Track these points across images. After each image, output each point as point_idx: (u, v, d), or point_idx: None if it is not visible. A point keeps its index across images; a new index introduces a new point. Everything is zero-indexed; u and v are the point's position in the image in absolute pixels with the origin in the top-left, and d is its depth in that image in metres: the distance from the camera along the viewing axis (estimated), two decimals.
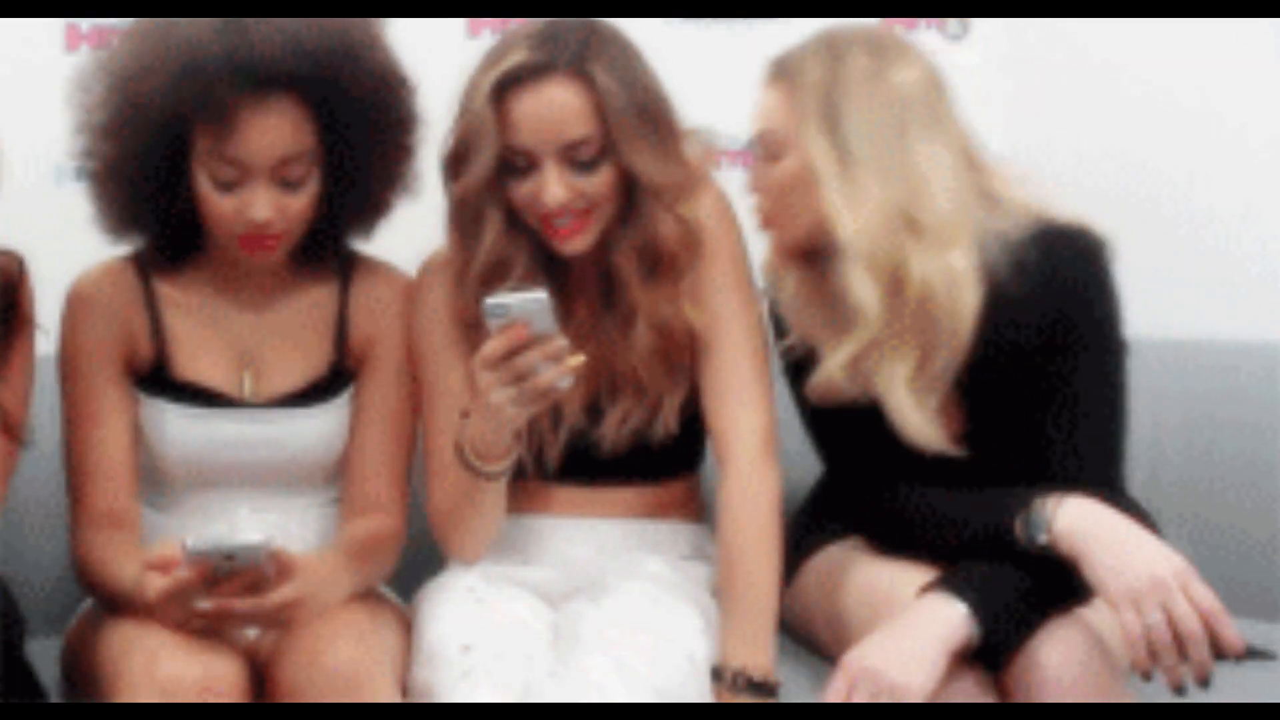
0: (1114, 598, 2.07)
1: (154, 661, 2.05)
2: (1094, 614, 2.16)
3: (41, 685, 2.22)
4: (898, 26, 2.93)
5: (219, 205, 2.20)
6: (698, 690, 2.16)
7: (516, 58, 2.19)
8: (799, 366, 2.29)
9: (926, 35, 2.94)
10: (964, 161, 2.24)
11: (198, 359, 2.30)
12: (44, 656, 2.30)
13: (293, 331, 2.33)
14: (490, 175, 2.21)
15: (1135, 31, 2.90)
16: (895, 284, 2.19)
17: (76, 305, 2.31)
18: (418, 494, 2.36)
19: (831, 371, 2.23)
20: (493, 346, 2.09)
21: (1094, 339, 2.23)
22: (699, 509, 2.41)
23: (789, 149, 2.23)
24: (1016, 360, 2.23)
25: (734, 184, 2.80)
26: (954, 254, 2.20)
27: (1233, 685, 2.20)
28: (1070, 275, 2.23)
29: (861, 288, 2.19)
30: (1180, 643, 2.04)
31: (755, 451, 2.26)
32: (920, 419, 2.21)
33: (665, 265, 2.26)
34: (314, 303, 2.34)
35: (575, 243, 2.23)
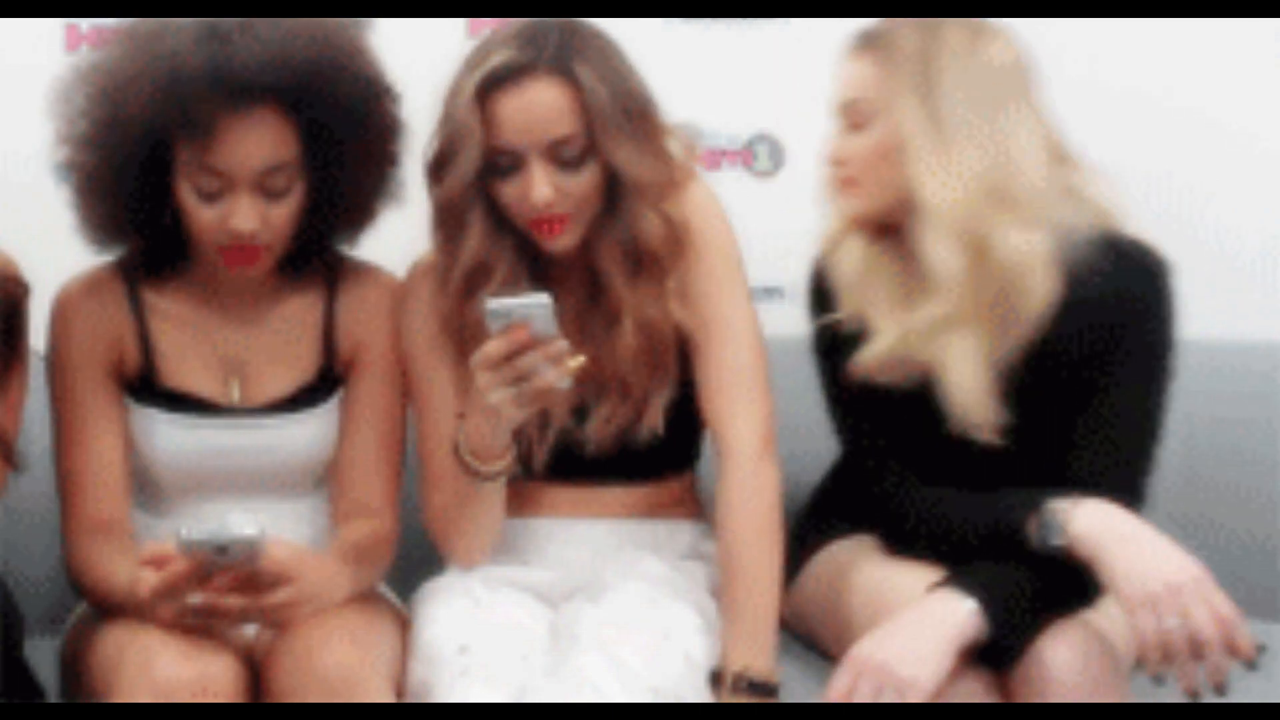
0: (1130, 601, 2.07)
1: (150, 662, 2.05)
2: (1096, 615, 2.16)
3: (40, 685, 2.23)
4: None
5: (202, 216, 2.20)
6: (695, 689, 2.16)
7: (499, 58, 2.19)
8: (841, 343, 2.27)
9: None
10: (1050, 149, 2.24)
11: (185, 367, 2.30)
12: (43, 656, 2.30)
13: (280, 337, 2.32)
14: (474, 177, 2.21)
15: (1135, 32, 2.90)
16: (979, 256, 2.19)
17: (63, 313, 2.31)
18: (413, 496, 2.36)
19: (894, 344, 2.22)
20: (494, 347, 2.09)
21: (1145, 357, 2.23)
22: (696, 507, 2.41)
23: (877, 118, 2.23)
24: (1067, 362, 2.22)
25: (734, 184, 2.81)
26: (1036, 235, 2.19)
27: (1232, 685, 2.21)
28: (1136, 290, 2.23)
29: (945, 256, 2.18)
30: (1196, 648, 2.04)
31: (754, 449, 2.25)
32: (980, 400, 2.20)
33: (649, 263, 2.26)
34: (301, 308, 2.34)
35: (562, 240, 2.23)
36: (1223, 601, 2.07)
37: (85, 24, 2.77)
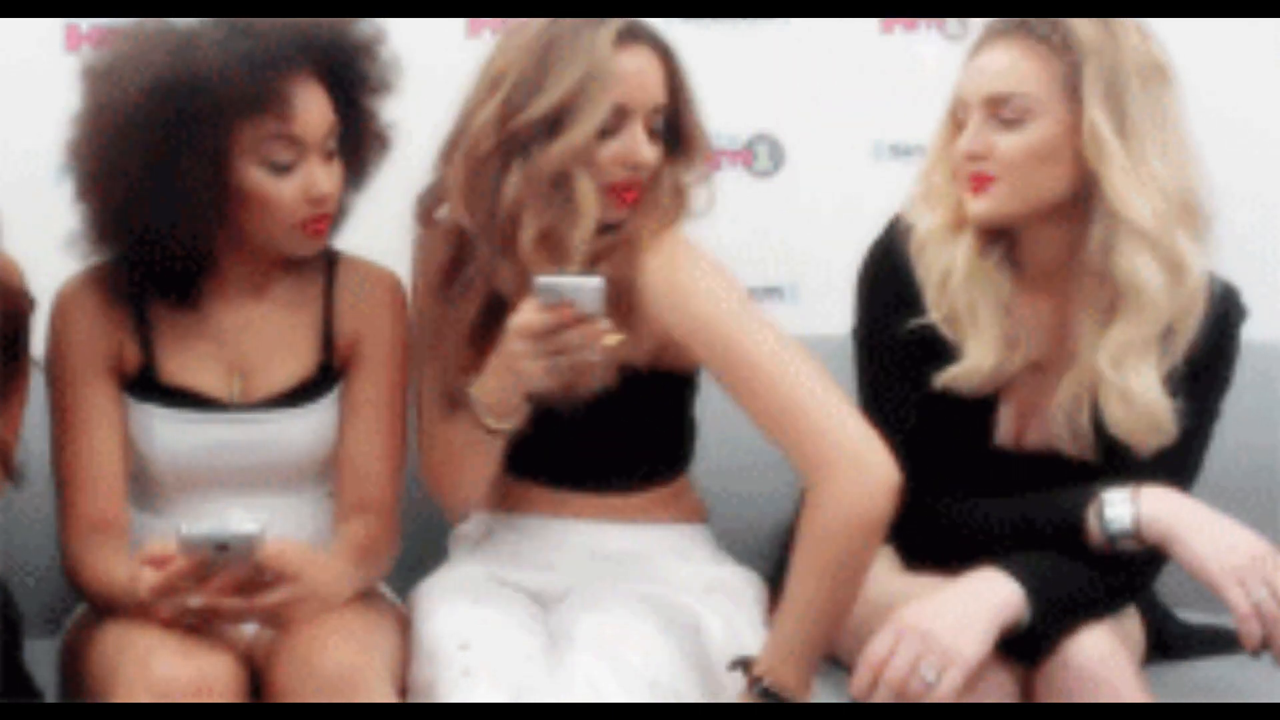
0: (1217, 577, 2.08)
1: (148, 662, 2.05)
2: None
3: (37, 686, 2.23)
4: (898, 27, 2.94)
5: (280, 191, 2.21)
6: (692, 685, 2.15)
7: (620, 21, 2.21)
8: (923, 347, 2.23)
9: (926, 35, 2.94)
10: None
11: (185, 363, 2.30)
12: (42, 657, 2.30)
13: (279, 332, 2.32)
14: (598, 131, 2.18)
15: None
16: (1175, 276, 2.16)
17: (64, 310, 2.30)
18: (412, 491, 2.36)
19: (1000, 361, 2.19)
20: (537, 321, 2.10)
21: (1213, 396, 2.25)
22: (690, 510, 2.40)
23: (1037, 115, 2.17)
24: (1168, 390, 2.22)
25: (734, 184, 2.81)
26: (1201, 260, 2.18)
27: (1235, 685, 2.21)
28: (1231, 335, 2.25)
29: (1152, 275, 2.15)
30: None
31: (811, 472, 2.13)
32: (1161, 424, 2.18)
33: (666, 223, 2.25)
34: (299, 303, 2.34)
35: (625, 212, 2.23)
36: None
37: (85, 24, 2.77)
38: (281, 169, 2.21)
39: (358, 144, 2.30)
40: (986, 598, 2.09)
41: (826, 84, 2.92)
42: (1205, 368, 2.23)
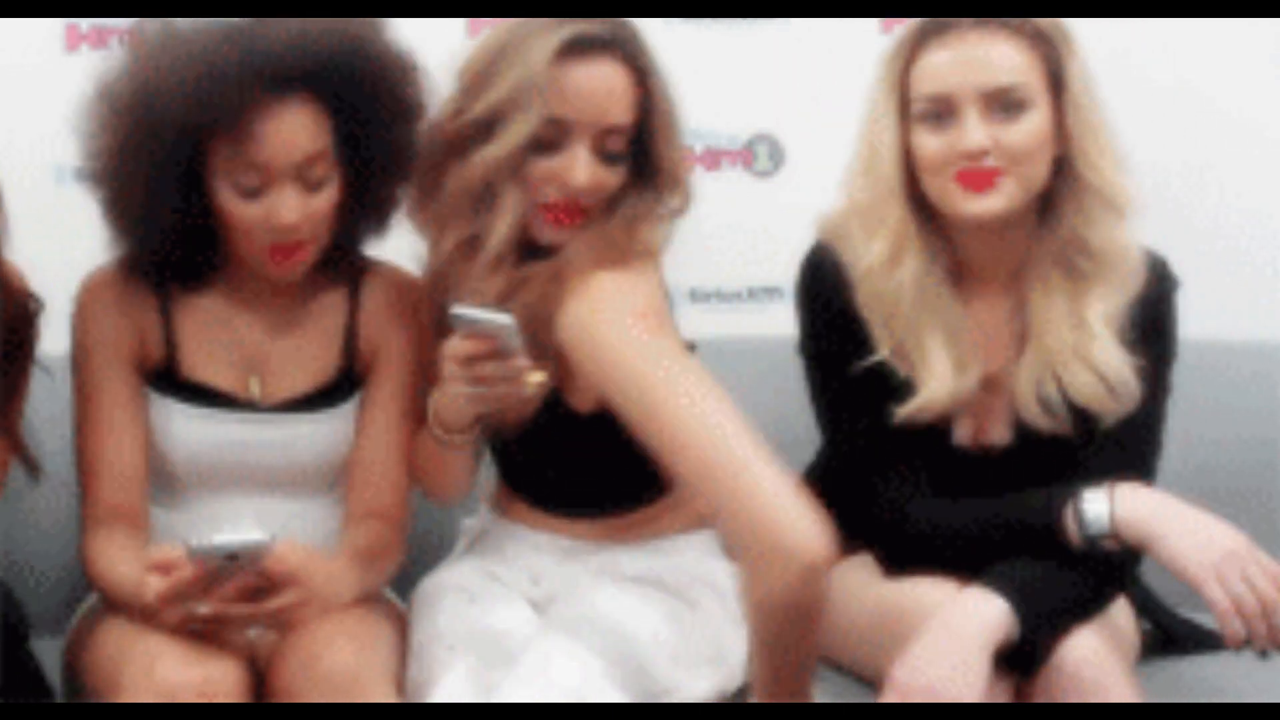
0: (1195, 574, 2.08)
1: (152, 665, 2.05)
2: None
3: (49, 684, 2.23)
4: (898, 27, 2.93)
5: (245, 214, 2.18)
6: (661, 666, 2.14)
7: (577, 27, 2.12)
8: (878, 382, 2.22)
9: None
10: None
11: (207, 360, 2.30)
12: (45, 657, 2.29)
13: (302, 336, 2.32)
14: (526, 143, 2.11)
15: (1137, 30, 2.90)
16: (1135, 242, 2.25)
17: (88, 303, 2.30)
18: (415, 492, 2.36)
19: (958, 388, 2.20)
20: (459, 348, 2.08)
21: (1159, 370, 2.25)
22: (686, 518, 2.35)
23: (1034, 104, 2.19)
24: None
25: (734, 184, 2.81)
26: None
27: (1228, 684, 2.21)
28: (1170, 300, 2.28)
29: (1126, 244, 2.22)
30: (1266, 609, 2.07)
31: (744, 538, 1.97)
32: (1131, 393, 2.22)
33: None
34: (324, 307, 2.33)
35: (565, 235, 2.17)
36: (1272, 563, 2.09)
37: (85, 24, 2.77)
38: (249, 193, 2.17)
39: (365, 170, 2.25)
40: (973, 626, 2.06)
41: (826, 84, 2.92)
42: (1150, 334, 2.24)
